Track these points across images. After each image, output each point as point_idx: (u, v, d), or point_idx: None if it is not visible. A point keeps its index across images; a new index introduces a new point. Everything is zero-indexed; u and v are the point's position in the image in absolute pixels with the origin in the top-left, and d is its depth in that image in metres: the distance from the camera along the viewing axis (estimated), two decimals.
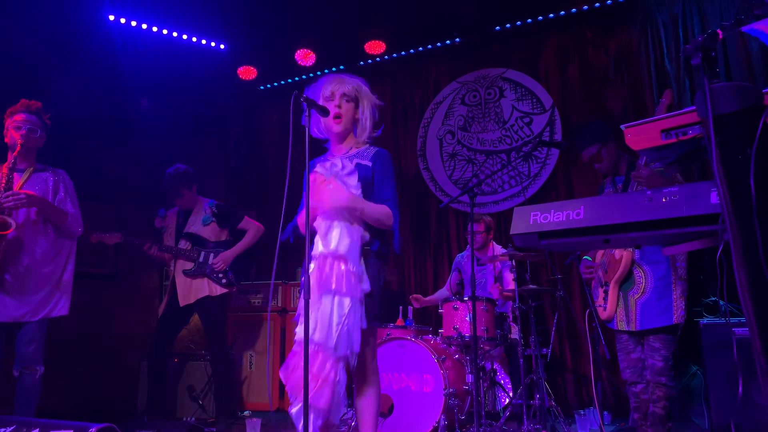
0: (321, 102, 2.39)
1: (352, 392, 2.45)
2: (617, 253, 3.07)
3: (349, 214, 2.30)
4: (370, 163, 2.40)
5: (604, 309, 3.11)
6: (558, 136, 5.08)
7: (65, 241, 3.26)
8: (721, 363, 3.21)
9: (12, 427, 2.26)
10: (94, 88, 4.77)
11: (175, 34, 5.30)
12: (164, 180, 4.27)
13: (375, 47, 5.56)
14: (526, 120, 5.26)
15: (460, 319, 3.69)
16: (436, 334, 3.95)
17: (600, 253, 3.21)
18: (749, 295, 1.15)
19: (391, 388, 3.61)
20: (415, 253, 5.53)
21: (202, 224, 4.28)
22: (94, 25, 4.85)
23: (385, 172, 2.42)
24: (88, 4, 4.74)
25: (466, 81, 5.57)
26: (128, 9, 4.94)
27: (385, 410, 3.54)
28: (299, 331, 2.19)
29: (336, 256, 2.24)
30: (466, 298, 3.67)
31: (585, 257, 3.30)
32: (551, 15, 5.16)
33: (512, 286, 3.74)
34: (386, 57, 5.74)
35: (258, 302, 5.23)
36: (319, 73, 5.77)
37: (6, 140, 3.19)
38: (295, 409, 2.15)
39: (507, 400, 3.90)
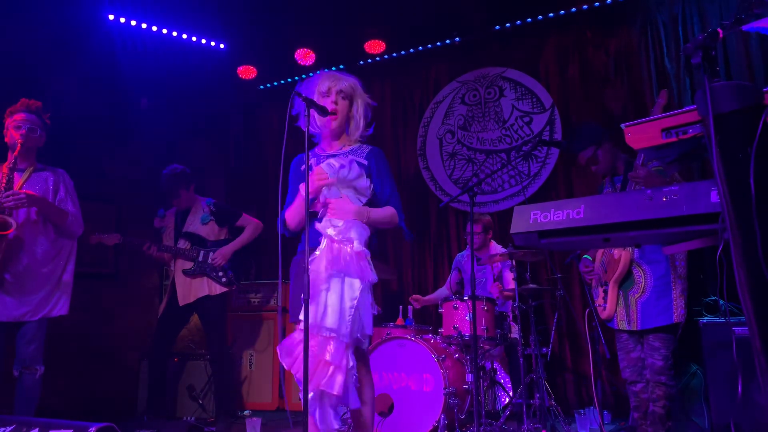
0: (316, 97, 2.41)
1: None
2: (616, 252, 3.07)
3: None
4: (366, 162, 2.43)
5: (604, 308, 3.12)
6: (558, 136, 5.08)
7: (65, 240, 3.26)
8: (721, 362, 3.21)
9: (12, 427, 2.26)
10: (93, 87, 4.77)
11: (174, 33, 5.30)
12: (161, 180, 4.27)
13: (375, 46, 5.55)
14: (526, 119, 5.26)
15: (460, 318, 3.68)
16: (436, 333, 3.95)
17: (600, 252, 3.21)
18: (749, 294, 1.15)
19: (391, 388, 3.61)
20: (415, 252, 5.52)
21: (200, 223, 4.28)
22: (93, 25, 4.84)
23: (382, 169, 2.46)
24: (88, 4, 4.73)
25: (466, 80, 5.57)
26: (128, 8, 4.94)
27: (385, 410, 3.54)
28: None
29: (346, 239, 2.26)
30: (466, 298, 3.67)
31: (585, 256, 3.30)
32: (551, 14, 5.16)
33: (512, 285, 3.74)
34: (386, 56, 5.74)
35: (258, 301, 5.23)
36: (318, 72, 5.76)
37: (6, 140, 3.19)
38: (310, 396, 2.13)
39: (507, 400, 3.89)
